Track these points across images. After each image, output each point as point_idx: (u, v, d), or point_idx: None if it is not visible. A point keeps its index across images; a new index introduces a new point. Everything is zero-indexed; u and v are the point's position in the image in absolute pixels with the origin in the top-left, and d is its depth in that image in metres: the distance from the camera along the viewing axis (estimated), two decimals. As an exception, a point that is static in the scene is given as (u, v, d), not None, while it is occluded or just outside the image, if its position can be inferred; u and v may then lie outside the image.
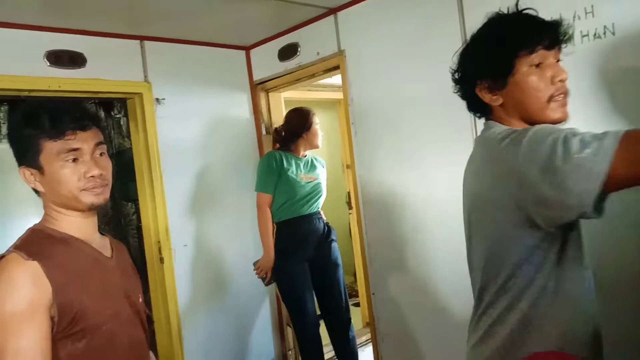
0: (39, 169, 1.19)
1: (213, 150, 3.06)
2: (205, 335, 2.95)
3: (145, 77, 2.76)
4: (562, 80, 1.11)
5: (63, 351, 1.14)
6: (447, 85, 2.20)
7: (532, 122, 1.13)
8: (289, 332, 3.27)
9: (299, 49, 2.90)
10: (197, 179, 2.99)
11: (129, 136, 3.70)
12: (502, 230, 1.09)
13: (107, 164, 1.25)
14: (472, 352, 1.22)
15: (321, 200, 3.05)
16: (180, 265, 2.86)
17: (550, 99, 1.11)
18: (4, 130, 3.41)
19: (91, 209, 1.23)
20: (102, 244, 1.30)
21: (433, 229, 2.38)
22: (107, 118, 3.88)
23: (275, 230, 2.92)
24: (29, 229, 1.23)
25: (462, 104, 2.17)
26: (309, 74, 2.93)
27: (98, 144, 1.22)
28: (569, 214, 0.97)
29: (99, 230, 1.33)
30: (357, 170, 2.70)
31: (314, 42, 2.81)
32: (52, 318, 1.12)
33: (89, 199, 1.20)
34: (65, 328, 1.13)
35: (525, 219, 1.03)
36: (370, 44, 2.54)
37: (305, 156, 3.04)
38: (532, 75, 1.11)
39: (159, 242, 2.81)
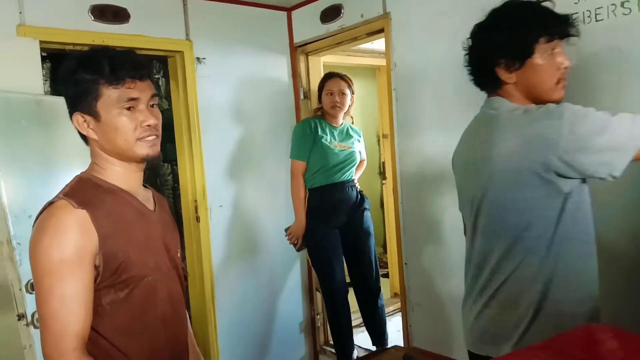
0: (95, 115, 1.17)
1: (251, 112, 3.05)
2: (237, 295, 3.00)
3: (187, 35, 2.75)
4: (566, 67, 1.28)
5: (105, 299, 1.15)
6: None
7: (536, 101, 1.29)
8: (318, 297, 3.29)
9: (342, 11, 2.82)
10: (234, 140, 2.99)
11: (167, 97, 3.72)
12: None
13: (159, 116, 1.23)
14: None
15: (355, 169, 3.03)
16: (216, 225, 2.89)
17: (558, 82, 1.28)
18: (47, 86, 3.47)
19: (145, 160, 1.21)
20: (146, 197, 1.30)
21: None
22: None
23: (307, 196, 2.92)
24: (77, 176, 1.23)
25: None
26: (351, 37, 2.86)
27: (153, 95, 1.21)
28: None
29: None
30: (397, 138, 2.64)
31: (359, 3, 2.72)
32: (96, 267, 1.13)
33: (143, 150, 1.19)
34: (109, 277, 1.14)
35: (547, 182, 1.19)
36: (417, 6, 2.45)
37: (342, 124, 3.00)
38: (546, 60, 1.26)
39: (195, 201, 2.84)
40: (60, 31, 2.34)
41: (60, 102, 2.27)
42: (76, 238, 1.09)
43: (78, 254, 1.09)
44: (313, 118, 2.97)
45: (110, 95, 1.15)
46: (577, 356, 0.86)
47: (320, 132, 2.89)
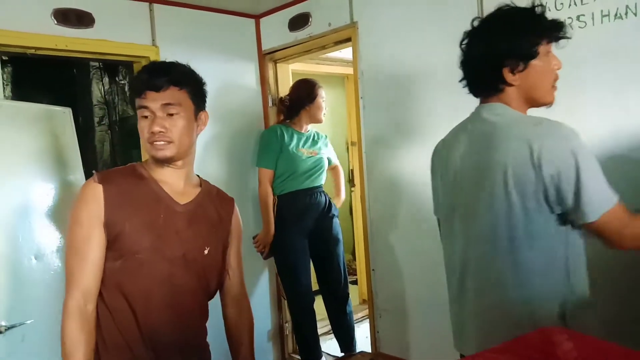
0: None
1: (219, 119, 3.02)
2: (204, 304, 2.95)
3: (153, 41, 2.72)
4: (559, 69, 1.33)
5: (107, 264, 1.36)
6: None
7: (532, 104, 1.34)
8: (286, 304, 3.28)
9: (310, 19, 2.84)
10: (201, 147, 2.92)
11: (132, 103, 3.67)
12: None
13: (173, 123, 1.37)
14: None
15: (323, 175, 3.04)
16: (182, 233, 2.85)
17: (553, 83, 1.32)
18: (8, 91, 3.38)
19: (158, 161, 1.41)
20: (182, 191, 1.46)
21: (438, 206, 2.36)
22: (112, 84, 3.85)
23: (276, 202, 2.92)
24: (132, 163, 1.50)
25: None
26: (319, 45, 2.88)
27: (166, 105, 1.36)
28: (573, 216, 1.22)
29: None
30: (364, 146, 2.67)
31: (326, 12, 2.75)
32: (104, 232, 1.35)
33: (152, 152, 1.39)
34: (110, 244, 1.35)
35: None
36: (384, 17, 2.49)
37: (308, 131, 3.02)
38: (545, 62, 1.29)
39: (161, 208, 2.80)
40: (21, 34, 2.28)
41: (20, 106, 2.22)
42: (88, 205, 1.35)
43: (88, 217, 1.34)
44: (279, 125, 2.97)
45: (136, 104, 1.40)
46: (534, 357, 0.88)
47: (287, 139, 2.90)
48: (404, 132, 2.47)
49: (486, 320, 1.35)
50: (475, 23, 1.37)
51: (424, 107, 2.38)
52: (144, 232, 1.37)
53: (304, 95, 2.95)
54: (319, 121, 3.01)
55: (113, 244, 1.35)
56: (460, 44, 1.39)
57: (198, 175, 1.59)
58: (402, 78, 2.45)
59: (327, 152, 3.09)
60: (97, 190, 1.35)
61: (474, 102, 2.13)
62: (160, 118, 1.36)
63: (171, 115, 1.37)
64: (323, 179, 3.05)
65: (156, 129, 1.35)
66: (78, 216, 1.35)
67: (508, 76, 1.29)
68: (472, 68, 1.37)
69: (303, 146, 2.95)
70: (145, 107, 1.36)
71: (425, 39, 2.33)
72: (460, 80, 1.42)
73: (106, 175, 1.40)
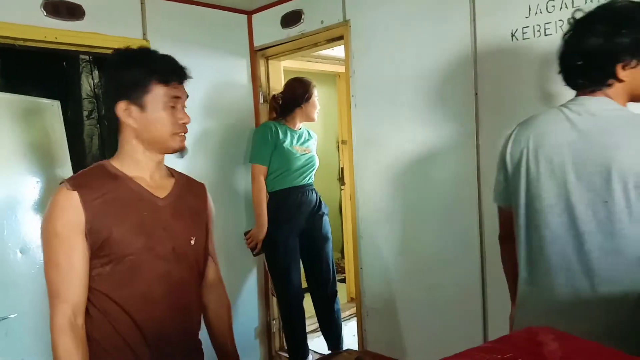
0: (142, 106, 1.33)
1: (209, 115, 3.01)
2: (191, 300, 2.94)
3: (144, 35, 2.70)
4: None
5: (94, 272, 1.31)
6: (453, 61, 2.20)
7: (633, 100, 1.33)
8: (274, 302, 3.28)
9: (302, 16, 2.84)
10: (191, 143, 2.87)
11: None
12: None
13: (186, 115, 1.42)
14: None
15: (314, 173, 3.05)
16: (170, 229, 2.83)
17: None
18: (-3, 82, 3.33)
19: (175, 151, 1.40)
20: (159, 185, 1.42)
21: (428, 207, 2.38)
22: (102, 78, 3.81)
23: (268, 199, 2.92)
24: (97, 163, 1.41)
25: (468, 83, 2.15)
26: (311, 42, 2.87)
27: (186, 97, 1.41)
28: None
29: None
30: (354, 144, 2.67)
31: (319, 9, 2.75)
32: (87, 241, 1.28)
33: (176, 143, 1.37)
34: (95, 251, 1.29)
35: None
36: (376, 16, 2.49)
37: (300, 128, 3.03)
38: None
39: (149, 204, 2.78)
40: (9, 25, 2.24)
41: (8, 98, 2.19)
42: (68, 215, 1.26)
43: (67, 228, 1.26)
44: (273, 122, 2.98)
45: (159, 91, 1.32)
46: (520, 356, 0.88)
47: (281, 136, 2.90)
48: (395, 131, 2.48)
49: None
50: (578, 15, 1.34)
51: (415, 106, 2.39)
52: (135, 234, 1.32)
53: (299, 94, 2.95)
54: (312, 120, 3.02)
55: (99, 250, 1.29)
56: (564, 35, 1.36)
57: (165, 165, 1.54)
58: (393, 77, 2.45)
59: (314, 149, 3.10)
60: (73, 198, 1.26)
61: (470, 99, 2.15)
62: (184, 109, 1.39)
63: (183, 107, 1.41)
64: (314, 177, 3.06)
65: (187, 119, 1.38)
66: (54, 228, 1.26)
67: (620, 72, 1.29)
68: (581, 61, 1.33)
69: (297, 143, 2.95)
70: (178, 97, 1.36)
71: (417, 38, 2.34)
72: (559, 73, 1.39)
73: (79, 181, 1.31)
